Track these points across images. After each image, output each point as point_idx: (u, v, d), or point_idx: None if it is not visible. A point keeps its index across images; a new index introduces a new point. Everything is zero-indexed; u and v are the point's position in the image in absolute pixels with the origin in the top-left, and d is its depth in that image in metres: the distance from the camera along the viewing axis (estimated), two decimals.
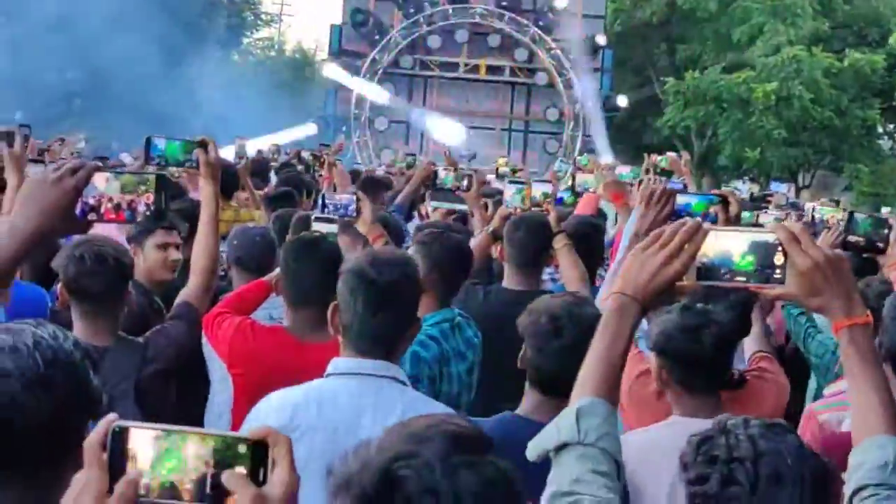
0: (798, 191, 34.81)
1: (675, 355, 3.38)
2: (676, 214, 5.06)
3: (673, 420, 3.41)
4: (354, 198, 5.63)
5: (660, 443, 3.22)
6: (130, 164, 16.77)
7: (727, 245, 2.30)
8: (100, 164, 2.92)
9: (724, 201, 4.83)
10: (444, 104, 25.74)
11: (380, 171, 17.62)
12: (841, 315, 2.25)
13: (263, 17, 61.48)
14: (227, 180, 7.03)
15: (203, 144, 4.46)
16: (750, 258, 2.28)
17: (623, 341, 2.31)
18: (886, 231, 5.57)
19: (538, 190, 6.90)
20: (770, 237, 2.28)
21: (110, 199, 2.81)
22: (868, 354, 2.27)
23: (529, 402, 3.46)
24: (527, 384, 3.49)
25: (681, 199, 4.86)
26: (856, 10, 31.84)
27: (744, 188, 40.28)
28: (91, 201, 2.78)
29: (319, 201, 5.79)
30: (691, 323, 3.36)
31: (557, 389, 3.09)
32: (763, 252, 2.28)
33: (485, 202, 7.12)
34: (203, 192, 4.49)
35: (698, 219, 2.81)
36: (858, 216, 5.86)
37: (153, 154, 4.66)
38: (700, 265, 2.30)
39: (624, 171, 8.80)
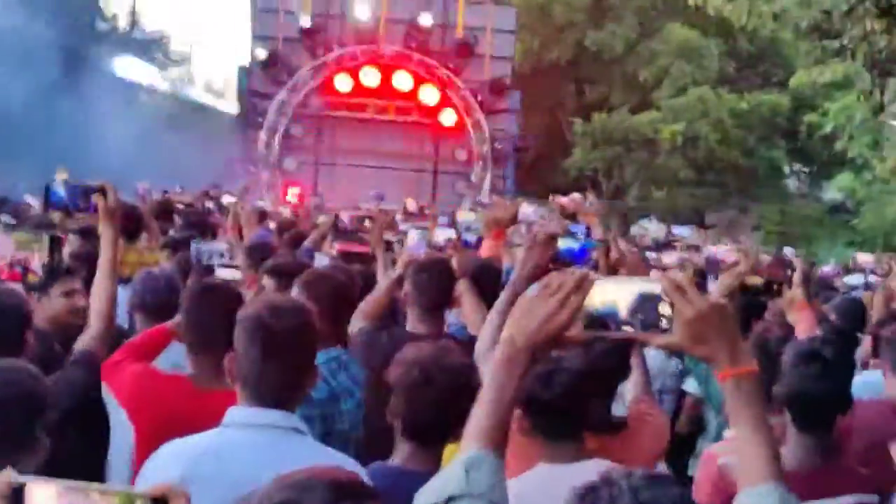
0: (704, 230, 35.21)
1: (528, 403, 3.37)
2: (558, 259, 5.13)
3: (538, 468, 3.42)
4: (227, 245, 5.61)
5: (526, 490, 3.22)
6: (36, 208, 16.64)
7: (614, 295, 2.33)
8: None
9: (606, 247, 4.89)
10: (354, 145, 25.72)
11: (285, 211, 17.65)
12: (726, 364, 2.28)
13: (172, 55, 61.14)
14: (131, 222, 6.99)
15: (102, 190, 4.44)
16: (636, 308, 2.31)
17: (511, 391, 2.32)
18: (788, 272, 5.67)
19: (441, 235, 6.95)
20: (656, 287, 2.31)
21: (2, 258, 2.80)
22: (753, 403, 2.30)
23: (402, 452, 3.45)
24: (397, 435, 3.49)
25: (562, 244, 4.92)
26: (760, 51, 32.31)
27: (651, 226, 40.69)
28: None
29: (192, 249, 5.75)
30: (542, 370, 3.37)
31: (430, 439, 3.11)
32: (649, 302, 2.30)
33: (388, 241, 7.16)
34: (102, 236, 4.46)
35: (585, 269, 2.83)
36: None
37: (53, 200, 4.63)
38: (587, 315, 2.32)
39: (528, 210, 8.86)
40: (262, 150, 25.27)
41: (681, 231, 26.61)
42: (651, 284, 2.33)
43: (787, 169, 34.21)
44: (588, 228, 8.01)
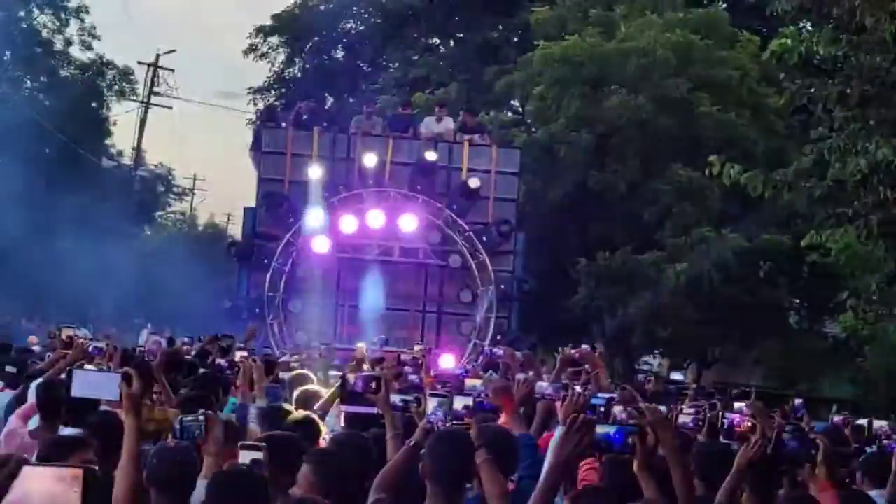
0: (709, 365, 35.11)
1: None
2: (597, 445, 5.09)
3: None
4: (203, 418, 5.53)
5: None
6: (38, 349, 16.58)
7: None
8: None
9: (642, 432, 4.86)
10: (359, 286, 25.73)
11: (292, 358, 17.58)
12: None
13: (176, 190, 61.72)
14: (144, 380, 6.96)
15: (126, 377, 4.42)
16: None
17: None
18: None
19: (460, 402, 6.92)
20: None
21: None
22: None
23: None
24: None
25: (601, 430, 4.90)
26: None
27: (654, 363, 40.71)
28: None
29: (175, 425, 5.62)
30: None
31: None
32: None
33: (405, 401, 7.12)
34: (126, 425, 4.41)
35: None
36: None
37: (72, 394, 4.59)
38: None
39: (543, 384, 8.75)
40: (268, 292, 25.26)
41: (677, 375, 26.66)
42: None
43: (788, 304, 34.17)
44: (609, 402, 7.94)
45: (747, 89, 32.61)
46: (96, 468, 2.88)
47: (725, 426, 7.60)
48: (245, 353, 12.27)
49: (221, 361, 12.04)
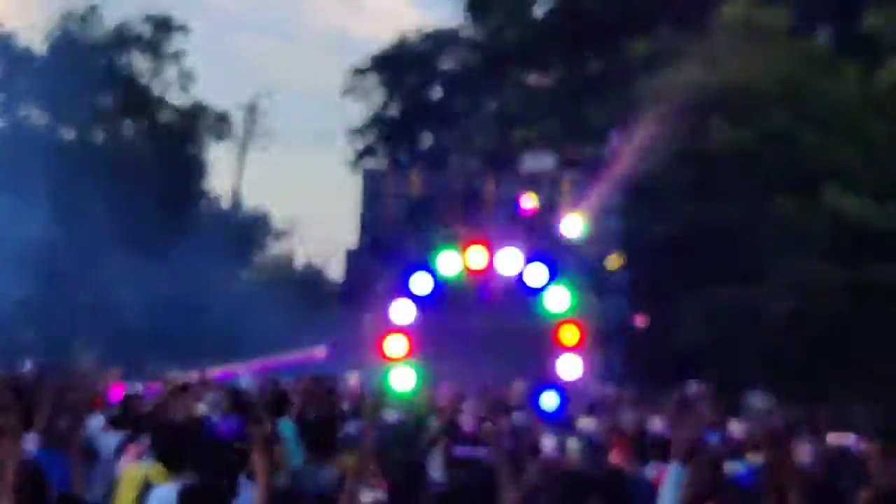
0: (821, 401, 34.35)
1: None
2: (726, 483, 4.80)
3: None
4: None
5: None
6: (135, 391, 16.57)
7: None
8: None
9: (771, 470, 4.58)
10: (460, 326, 25.59)
11: None
12: None
13: (273, 232, 62.19)
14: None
15: (257, 420, 4.48)
16: None
17: None
18: None
19: (572, 443, 6.71)
20: None
21: None
22: None
23: None
24: None
25: (729, 467, 4.65)
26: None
27: (756, 401, 39.97)
28: None
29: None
30: None
31: None
32: None
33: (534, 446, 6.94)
34: (258, 466, 4.47)
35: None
36: None
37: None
38: None
39: (654, 422, 8.47)
40: (368, 332, 25.16)
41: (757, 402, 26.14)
42: None
43: None
44: (723, 436, 7.68)
45: (853, 120, 32.03)
46: None
47: (840, 465, 7.34)
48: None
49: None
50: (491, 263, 25.38)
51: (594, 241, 26.16)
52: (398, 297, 25.37)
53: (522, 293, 25.91)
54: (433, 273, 25.36)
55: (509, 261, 25.20)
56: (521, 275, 25.48)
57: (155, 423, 10.79)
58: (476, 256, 25.28)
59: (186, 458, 7.43)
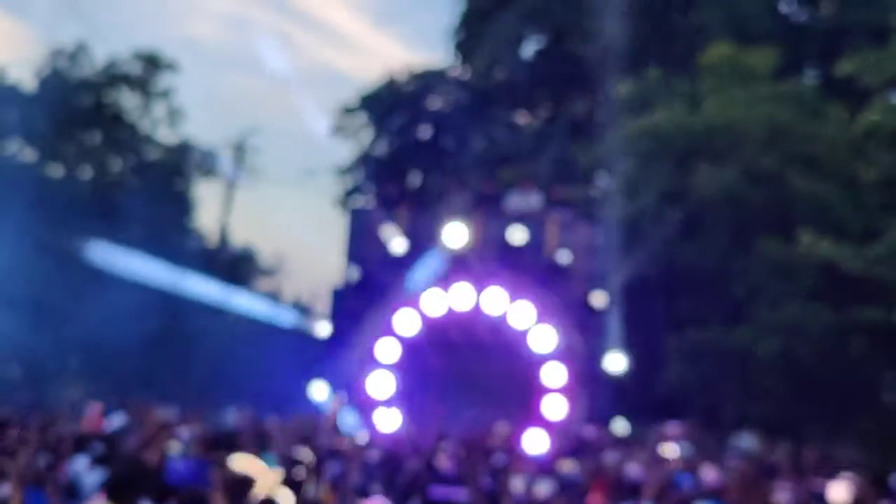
0: (804, 441, 34.31)
1: None
2: None
3: None
4: None
5: None
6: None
7: None
8: None
9: None
10: (444, 367, 25.57)
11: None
12: None
13: (260, 269, 61.94)
14: None
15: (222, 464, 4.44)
16: None
17: None
18: None
19: (545, 486, 6.72)
20: None
21: None
22: None
23: None
24: None
25: None
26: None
27: (745, 440, 39.91)
28: None
29: None
30: None
31: None
32: None
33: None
34: None
35: None
36: None
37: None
38: None
39: (635, 469, 8.54)
40: (353, 373, 25.15)
41: (743, 442, 26.13)
42: None
43: (888, 380, 33.38)
44: (695, 479, 7.73)
45: (838, 163, 32.07)
46: None
47: None
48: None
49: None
50: (477, 303, 25.42)
51: (580, 281, 26.22)
52: (383, 335, 25.38)
53: (508, 333, 25.95)
54: (419, 312, 25.38)
55: (495, 301, 25.26)
56: (505, 315, 25.53)
57: (114, 456, 10.72)
58: (462, 296, 25.33)
59: (137, 497, 7.13)
